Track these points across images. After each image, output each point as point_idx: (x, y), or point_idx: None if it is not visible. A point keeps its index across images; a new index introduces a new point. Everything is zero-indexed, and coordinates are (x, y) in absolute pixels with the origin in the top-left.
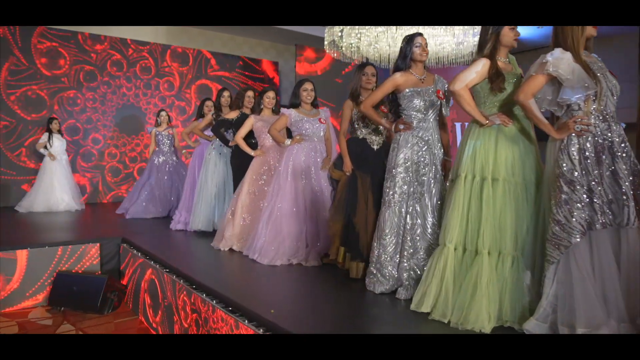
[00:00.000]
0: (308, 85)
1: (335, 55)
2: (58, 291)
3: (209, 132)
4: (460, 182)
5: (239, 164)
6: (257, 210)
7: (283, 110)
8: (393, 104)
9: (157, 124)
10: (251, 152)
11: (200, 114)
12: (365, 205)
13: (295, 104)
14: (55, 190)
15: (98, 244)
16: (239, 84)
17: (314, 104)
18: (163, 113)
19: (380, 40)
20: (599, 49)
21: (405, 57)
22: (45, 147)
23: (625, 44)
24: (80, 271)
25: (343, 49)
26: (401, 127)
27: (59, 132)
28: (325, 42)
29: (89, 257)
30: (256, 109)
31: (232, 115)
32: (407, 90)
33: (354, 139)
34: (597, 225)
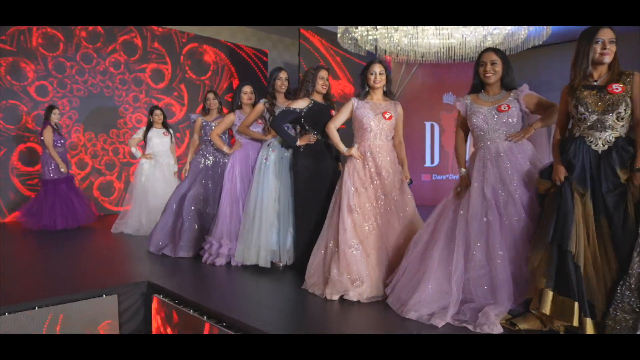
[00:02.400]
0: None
1: (347, 45)
2: None
3: (255, 128)
4: None
5: (310, 169)
6: (372, 237)
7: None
8: None
9: (205, 112)
10: (347, 152)
11: (237, 105)
12: (586, 231)
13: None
14: (144, 203)
15: (115, 296)
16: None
17: None
18: (211, 95)
19: (398, 31)
20: None
21: None
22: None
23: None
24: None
25: (358, 39)
26: None
27: (164, 125)
28: (339, 32)
29: (101, 318)
30: (329, 96)
31: (300, 104)
32: None
33: (569, 138)
34: None
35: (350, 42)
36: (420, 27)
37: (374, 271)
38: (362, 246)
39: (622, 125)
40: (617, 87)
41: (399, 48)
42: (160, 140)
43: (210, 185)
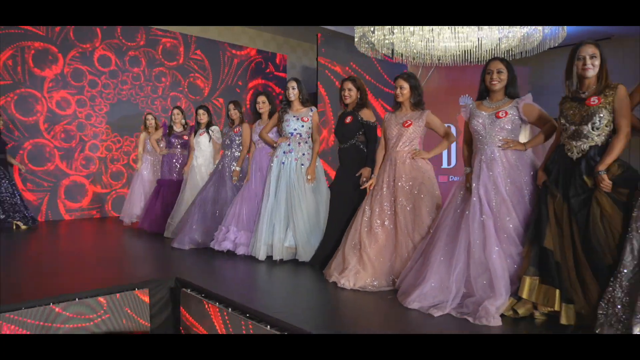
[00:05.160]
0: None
1: (364, 50)
2: None
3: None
4: None
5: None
6: (379, 237)
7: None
8: None
9: (231, 122)
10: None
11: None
12: (558, 227)
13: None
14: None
15: (146, 290)
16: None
17: None
18: (231, 106)
19: (415, 34)
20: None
21: None
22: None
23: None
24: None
25: (375, 43)
26: None
27: (207, 125)
28: (356, 37)
29: (134, 311)
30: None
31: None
32: None
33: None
34: None
35: (366, 46)
36: (436, 31)
37: (371, 265)
38: (363, 243)
39: (598, 135)
40: (594, 100)
41: (414, 52)
42: (196, 141)
43: (217, 186)
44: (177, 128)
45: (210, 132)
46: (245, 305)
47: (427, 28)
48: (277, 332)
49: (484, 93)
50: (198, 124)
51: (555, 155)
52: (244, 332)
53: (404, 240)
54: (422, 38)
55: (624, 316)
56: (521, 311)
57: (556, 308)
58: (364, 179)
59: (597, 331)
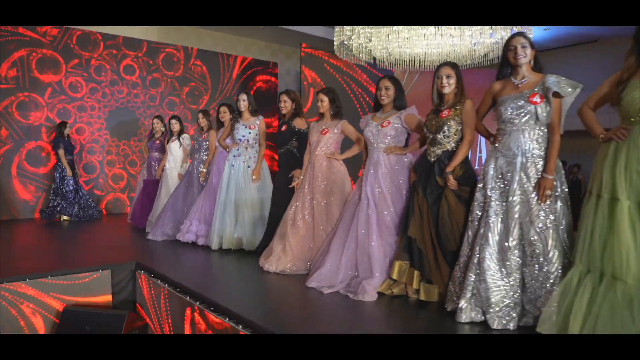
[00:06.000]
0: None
1: (344, 57)
2: (67, 331)
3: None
4: None
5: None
6: (300, 228)
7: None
8: None
9: (201, 130)
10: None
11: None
12: (420, 219)
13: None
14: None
15: (109, 271)
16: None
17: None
18: (200, 115)
19: (391, 42)
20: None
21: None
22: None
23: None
24: (90, 305)
25: (353, 50)
26: (491, 139)
27: (178, 133)
28: (335, 44)
29: (99, 287)
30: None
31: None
32: (500, 98)
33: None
34: None
35: (348, 53)
36: (412, 38)
37: (292, 252)
38: (287, 234)
39: (449, 142)
40: (445, 112)
41: (392, 57)
42: (168, 147)
43: (187, 186)
44: (157, 135)
45: (180, 139)
46: (179, 282)
47: (403, 35)
48: (193, 302)
49: (377, 106)
50: (171, 132)
51: (420, 157)
52: (162, 296)
53: (319, 232)
54: (400, 45)
55: (459, 292)
56: (396, 290)
57: (415, 286)
58: (295, 179)
59: (445, 306)
